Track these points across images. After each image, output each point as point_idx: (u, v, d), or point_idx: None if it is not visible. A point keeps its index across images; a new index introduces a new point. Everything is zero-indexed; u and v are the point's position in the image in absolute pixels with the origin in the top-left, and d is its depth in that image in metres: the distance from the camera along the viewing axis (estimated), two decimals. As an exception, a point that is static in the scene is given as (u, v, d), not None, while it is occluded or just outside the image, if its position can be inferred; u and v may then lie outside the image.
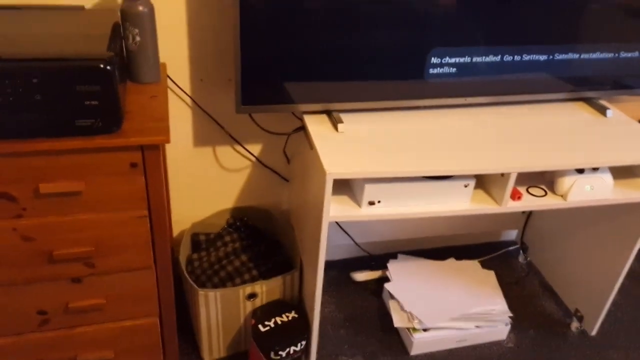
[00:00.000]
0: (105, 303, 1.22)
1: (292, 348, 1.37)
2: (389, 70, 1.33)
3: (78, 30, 1.06)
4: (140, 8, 1.12)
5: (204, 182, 1.58)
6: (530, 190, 1.37)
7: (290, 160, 1.62)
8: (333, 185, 1.18)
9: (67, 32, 1.05)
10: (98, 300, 1.21)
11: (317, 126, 1.32)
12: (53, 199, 1.05)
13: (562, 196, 1.36)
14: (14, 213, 1.05)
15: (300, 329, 1.40)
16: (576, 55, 1.46)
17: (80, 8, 1.20)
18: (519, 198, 1.33)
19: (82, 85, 0.94)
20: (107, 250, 1.14)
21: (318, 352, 1.54)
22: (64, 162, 1.02)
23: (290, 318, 1.41)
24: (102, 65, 0.94)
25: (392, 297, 1.65)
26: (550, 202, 1.35)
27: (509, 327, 1.63)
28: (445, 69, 1.37)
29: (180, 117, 1.45)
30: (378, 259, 1.87)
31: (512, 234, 2.05)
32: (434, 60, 1.35)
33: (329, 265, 1.84)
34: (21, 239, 1.08)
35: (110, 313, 1.24)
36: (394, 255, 1.80)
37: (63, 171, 1.03)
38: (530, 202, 1.34)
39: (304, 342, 1.40)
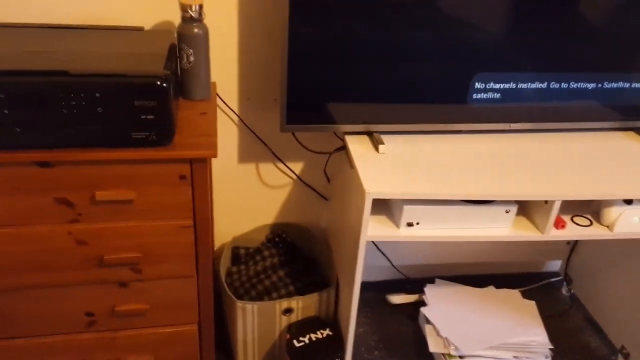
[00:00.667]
0: (149, 308, 1.27)
1: (325, 365, 1.38)
2: (432, 94, 1.35)
3: (138, 50, 1.14)
4: (196, 30, 1.19)
5: (246, 197, 1.63)
6: (575, 219, 1.34)
7: (330, 179, 1.65)
8: (372, 205, 1.20)
9: (127, 51, 1.13)
10: (142, 305, 1.26)
11: (358, 146, 1.35)
12: (107, 206, 1.12)
13: (608, 227, 1.32)
14: (71, 218, 1.12)
15: (334, 346, 1.41)
16: (626, 84, 1.43)
17: (140, 29, 1.29)
18: (563, 227, 1.30)
19: (140, 100, 1.01)
20: (153, 257, 1.20)
21: (351, 372, 1.54)
22: (119, 172, 1.08)
23: (324, 335, 1.43)
24: (158, 83, 1.00)
25: (428, 321, 1.63)
26: (595, 232, 1.31)
27: (549, 359, 1.59)
28: (490, 95, 1.38)
29: (226, 134, 1.52)
30: (415, 282, 1.85)
31: (555, 265, 2.00)
32: (478, 85, 1.36)
33: (365, 286, 1.85)
34: (75, 243, 1.15)
35: (153, 318, 1.29)
36: (431, 280, 1.79)
37: (118, 180, 1.09)
38: (575, 231, 1.31)
39: (337, 361, 1.41)
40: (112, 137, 1.04)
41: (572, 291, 1.91)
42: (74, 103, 0.99)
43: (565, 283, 1.92)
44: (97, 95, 0.99)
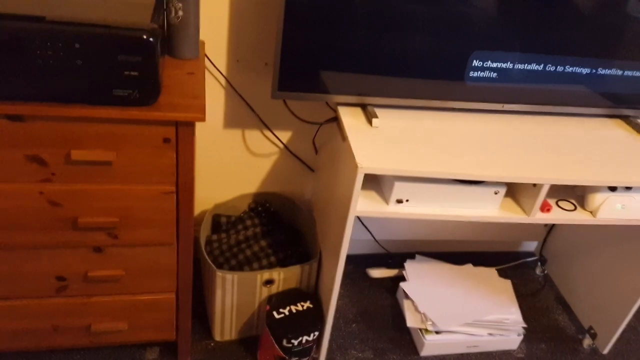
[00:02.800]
0: (124, 275, 1.19)
1: (305, 337, 1.34)
2: (429, 69, 1.28)
3: (122, -1, 1.02)
4: (187, -18, 1.08)
5: (230, 164, 1.55)
6: (560, 203, 1.32)
7: (318, 150, 1.57)
8: (362, 179, 1.14)
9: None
10: (117, 271, 1.18)
11: (350, 119, 1.27)
12: (83, 167, 1.02)
13: (591, 212, 1.30)
14: (43, 177, 1.02)
15: (314, 319, 1.36)
16: (619, 72, 1.39)
17: (126, -23, 1.16)
18: (548, 210, 1.28)
19: (124, 54, 0.91)
20: (132, 222, 1.11)
21: (329, 345, 1.51)
22: (97, 131, 0.98)
23: (305, 307, 1.38)
24: (145, 37, 0.90)
25: (406, 296, 1.60)
26: (579, 217, 1.30)
27: (521, 337, 1.59)
28: (486, 73, 1.32)
29: (212, 97, 1.42)
30: (395, 257, 1.83)
31: (531, 246, 1.99)
32: (476, 63, 1.29)
33: (346, 259, 1.80)
34: (47, 203, 1.05)
35: (128, 285, 1.21)
36: (411, 255, 1.76)
37: (96, 139, 0.99)
38: (559, 215, 1.29)
39: (316, 333, 1.36)
40: (91, 93, 0.94)
41: (545, 271, 1.91)
42: (50, 53, 0.88)
43: (539, 263, 1.92)
44: (77, 45, 0.88)
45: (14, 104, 0.92)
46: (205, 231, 1.49)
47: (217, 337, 1.47)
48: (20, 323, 1.22)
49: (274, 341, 1.34)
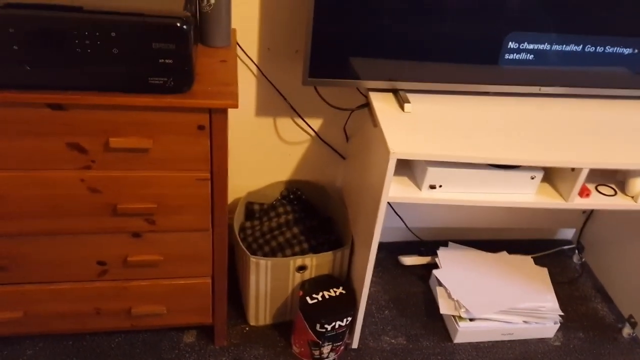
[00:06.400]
0: (162, 260, 1.21)
1: (338, 323, 1.33)
2: (462, 53, 1.24)
3: (156, -12, 1.02)
4: (218, -30, 1.08)
5: (262, 152, 1.55)
6: (599, 188, 1.27)
7: (349, 138, 1.56)
8: (395, 165, 1.12)
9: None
10: (155, 256, 1.20)
11: (382, 104, 1.25)
12: (121, 154, 1.04)
13: (632, 197, 1.25)
14: (83, 164, 1.04)
15: (346, 305, 1.35)
16: (663, 51, 1.32)
17: (159, -33, 1.17)
18: (587, 195, 1.23)
19: (158, 42, 0.91)
20: (168, 208, 1.12)
21: (361, 330, 1.50)
22: (134, 119, 1.00)
23: (337, 293, 1.37)
24: (178, 24, 0.90)
25: (439, 284, 1.58)
26: (619, 202, 1.25)
27: (557, 325, 1.54)
28: (522, 55, 1.27)
29: (244, 85, 1.42)
30: (428, 245, 1.80)
31: (568, 233, 1.93)
32: (511, 45, 1.25)
33: (378, 246, 1.78)
34: (88, 190, 1.07)
35: (166, 270, 1.23)
36: (444, 243, 1.73)
37: (133, 127, 1.01)
38: (599, 200, 1.24)
39: (349, 319, 1.35)
40: (128, 81, 0.95)
41: (583, 259, 1.85)
42: (87, 42, 0.89)
43: (577, 251, 1.86)
44: (113, 34, 0.89)
45: (55, 93, 0.94)
46: (239, 218, 1.50)
47: (252, 322, 1.48)
48: (64, 306, 1.26)
49: (307, 326, 1.34)
